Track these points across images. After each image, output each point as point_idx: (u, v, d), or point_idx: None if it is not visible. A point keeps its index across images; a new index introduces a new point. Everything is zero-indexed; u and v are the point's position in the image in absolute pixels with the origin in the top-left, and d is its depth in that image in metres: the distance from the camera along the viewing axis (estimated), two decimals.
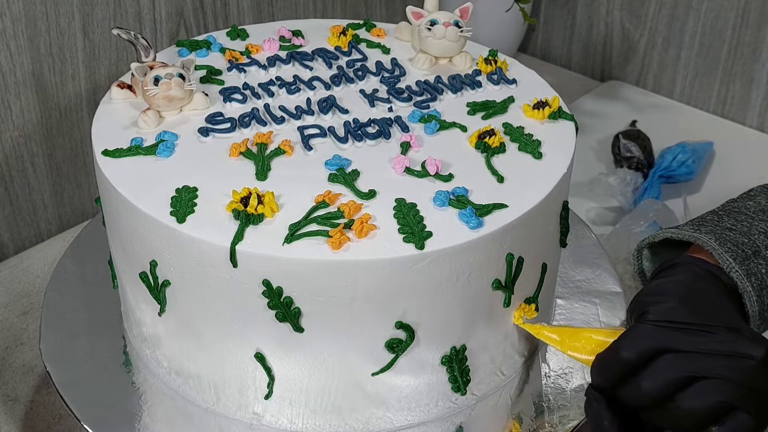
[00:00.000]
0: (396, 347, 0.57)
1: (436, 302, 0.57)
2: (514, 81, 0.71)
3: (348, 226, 0.55)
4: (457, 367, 0.60)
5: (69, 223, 0.98)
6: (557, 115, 0.67)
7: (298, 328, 0.56)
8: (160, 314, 0.61)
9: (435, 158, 0.60)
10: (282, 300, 0.55)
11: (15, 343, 0.80)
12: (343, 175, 0.60)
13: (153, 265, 0.59)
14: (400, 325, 0.57)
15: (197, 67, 0.70)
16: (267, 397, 0.60)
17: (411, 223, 0.56)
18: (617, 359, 0.53)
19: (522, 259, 0.59)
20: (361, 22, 0.80)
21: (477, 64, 0.73)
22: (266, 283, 0.55)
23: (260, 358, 0.58)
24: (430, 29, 0.71)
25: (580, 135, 0.72)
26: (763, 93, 1.13)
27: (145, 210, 0.57)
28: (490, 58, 0.74)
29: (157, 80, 0.63)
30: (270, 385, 0.60)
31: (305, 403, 0.60)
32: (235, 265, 0.55)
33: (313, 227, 0.55)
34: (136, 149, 0.62)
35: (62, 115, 0.92)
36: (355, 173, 0.60)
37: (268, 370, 0.59)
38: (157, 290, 0.60)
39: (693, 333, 0.52)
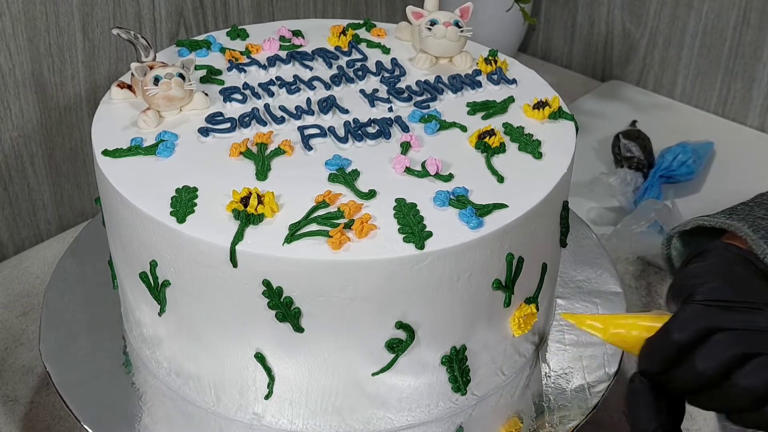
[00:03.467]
0: (396, 347, 0.57)
1: (436, 302, 0.57)
2: (514, 81, 0.71)
3: (348, 226, 0.55)
4: (458, 367, 0.60)
5: (69, 224, 0.98)
6: (557, 115, 0.67)
7: (298, 328, 0.56)
8: (160, 314, 0.61)
9: (435, 158, 0.60)
10: (282, 300, 0.55)
11: (15, 344, 0.80)
12: (343, 175, 0.60)
13: (153, 265, 0.59)
14: (400, 325, 0.57)
15: (197, 67, 0.70)
16: (267, 397, 0.60)
17: (411, 223, 0.56)
18: (669, 342, 0.52)
19: (522, 259, 0.59)
20: (361, 22, 0.80)
21: (477, 64, 0.73)
22: (266, 283, 0.55)
23: (260, 358, 0.58)
24: (430, 29, 0.71)
25: (581, 135, 0.72)
26: (764, 93, 1.13)
27: (145, 210, 0.57)
28: (490, 58, 0.74)
29: (157, 80, 0.63)
30: (270, 386, 0.59)
31: (305, 403, 0.60)
32: (235, 265, 0.54)
33: (313, 227, 0.55)
34: (136, 149, 0.62)
35: (62, 115, 0.92)
36: (355, 173, 0.60)
37: (268, 371, 0.59)
38: (157, 290, 0.59)
39: (741, 311, 0.52)
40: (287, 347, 0.58)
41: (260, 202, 0.56)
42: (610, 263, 0.77)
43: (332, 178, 0.60)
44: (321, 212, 0.56)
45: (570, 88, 1.24)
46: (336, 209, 0.57)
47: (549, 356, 0.68)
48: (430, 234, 0.55)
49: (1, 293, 0.87)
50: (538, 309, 0.63)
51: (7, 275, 0.89)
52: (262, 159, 0.61)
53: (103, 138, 0.63)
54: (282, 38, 0.76)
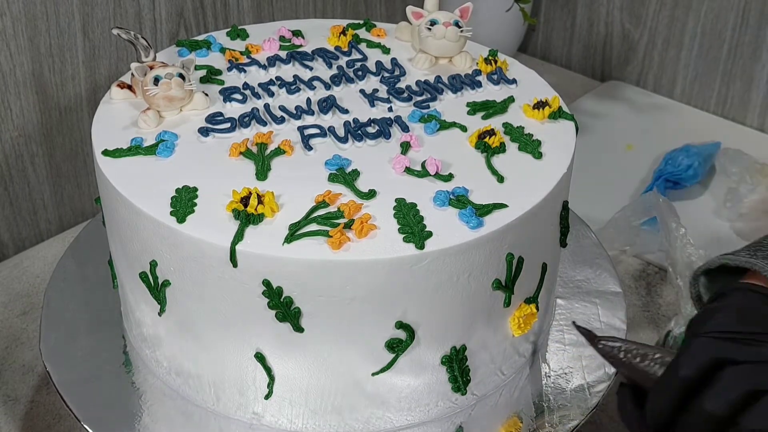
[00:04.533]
0: (396, 347, 0.57)
1: (436, 302, 0.57)
2: (514, 81, 0.71)
3: (348, 226, 0.55)
4: (457, 367, 0.60)
5: (69, 223, 0.98)
6: (557, 114, 0.67)
7: (298, 328, 0.56)
8: (160, 314, 0.61)
9: (435, 158, 0.60)
10: (282, 300, 0.55)
11: (15, 343, 0.80)
12: (343, 175, 0.60)
13: (153, 265, 0.59)
14: (400, 325, 0.57)
15: (197, 67, 0.70)
16: (267, 397, 0.60)
17: (411, 222, 0.56)
18: (676, 379, 0.50)
19: (522, 258, 0.59)
20: (361, 22, 0.80)
21: (477, 64, 0.73)
22: (266, 283, 0.55)
23: (260, 358, 0.58)
24: (430, 29, 0.71)
25: (580, 135, 0.72)
26: (763, 93, 1.13)
27: (145, 210, 0.57)
28: (490, 58, 0.74)
29: (157, 80, 0.63)
30: (270, 385, 0.60)
31: (305, 403, 0.60)
32: (235, 265, 0.55)
33: (313, 227, 0.55)
34: (136, 149, 0.62)
35: (62, 115, 0.92)
36: (355, 173, 0.60)
37: (268, 370, 0.59)
38: (157, 290, 0.59)
39: (746, 342, 0.50)
40: (287, 347, 0.58)
41: (260, 202, 0.56)
42: (610, 263, 0.77)
43: (332, 178, 0.60)
44: (321, 212, 0.56)
45: (569, 89, 1.24)
46: (336, 209, 0.57)
47: (549, 356, 0.68)
48: (430, 234, 0.55)
49: (1, 293, 0.87)
50: (538, 309, 0.63)
51: (7, 275, 0.89)
52: (262, 159, 0.61)
53: (103, 138, 0.63)
54: (282, 38, 0.76)
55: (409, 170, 0.61)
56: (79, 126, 0.94)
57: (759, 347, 0.50)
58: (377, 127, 0.65)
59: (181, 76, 0.64)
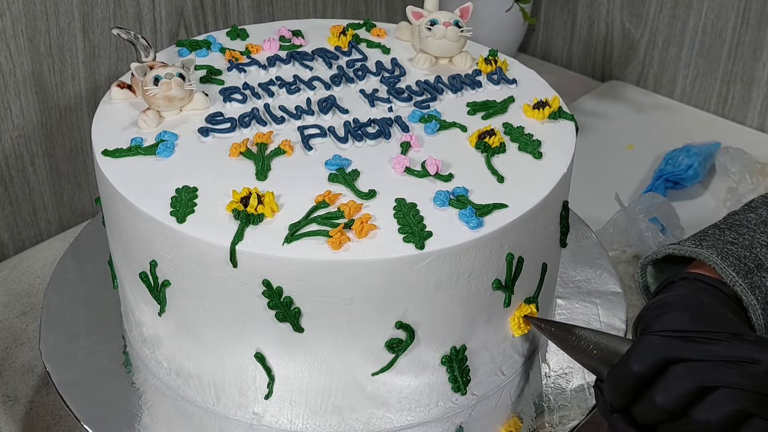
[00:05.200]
0: (396, 347, 0.57)
1: (436, 302, 0.57)
2: (514, 81, 0.71)
3: (348, 226, 0.55)
4: (457, 367, 0.60)
5: (69, 223, 0.98)
6: (557, 114, 0.67)
7: (298, 328, 0.56)
8: (160, 314, 0.61)
9: (435, 158, 0.60)
10: (282, 300, 0.55)
11: (15, 343, 0.80)
12: (343, 175, 0.60)
13: (153, 265, 0.59)
14: (400, 325, 0.57)
15: (197, 67, 0.70)
16: (267, 397, 0.60)
17: (411, 222, 0.56)
18: (628, 373, 0.52)
19: (522, 259, 0.59)
20: (361, 22, 0.80)
21: (477, 64, 0.73)
22: (266, 283, 0.55)
23: (260, 358, 0.58)
24: (430, 29, 0.71)
25: (580, 135, 0.72)
26: (763, 93, 1.13)
27: (145, 210, 0.57)
28: (490, 58, 0.74)
29: (157, 80, 0.63)
30: (270, 385, 0.60)
31: (305, 403, 0.60)
32: (235, 265, 0.55)
33: (313, 227, 0.55)
34: (136, 149, 0.62)
35: (62, 115, 0.92)
36: (355, 173, 0.60)
37: (268, 370, 0.59)
38: (157, 290, 0.59)
39: (698, 341, 0.52)
40: (287, 347, 0.58)
41: (260, 202, 0.56)
42: (610, 263, 0.77)
43: (332, 178, 0.60)
44: (321, 212, 0.56)
45: (570, 88, 1.24)
46: (336, 209, 0.57)
47: (549, 356, 0.68)
48: (430, 234, 0.55)
49: (1, 293, 0.87)
50: (538, 309, 0.63)
51: (7, 275, 0.89)
52: (262, 159, 0.61)
53: (103, 138, 0.63)
54: (282, 38, 0.76)
55: (409, 170, 0.61)
56: (79, 126, 0.94)
57: (710, 345, 0.52)
58: (377, 127, 0.65)
59: (181, 76, 0.64)
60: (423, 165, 0.61)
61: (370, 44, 0.76)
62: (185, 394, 0.64)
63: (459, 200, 0.58)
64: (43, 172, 0.93)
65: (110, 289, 0.70)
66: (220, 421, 0.62)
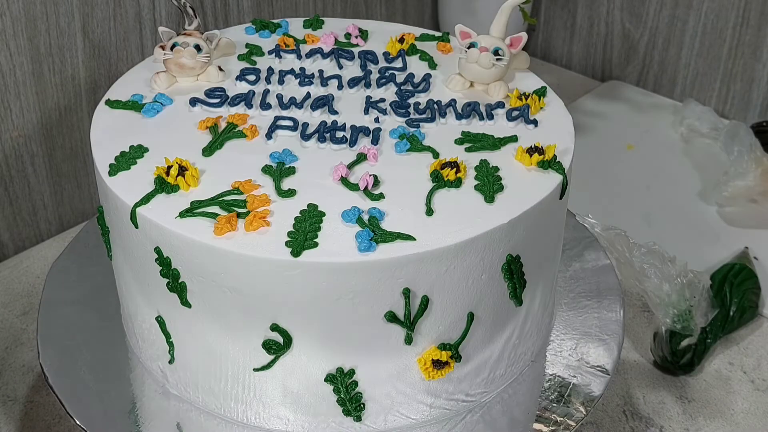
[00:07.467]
0: (273, 349, 0.57)
1: (313, 315, 0.55)
2: (534, 122, 0.66)
3: (243, 216, 0.55)
4: (344, 389, 0.59)
5: (69, 223, 0.98)
6: (547, 164, 0.61)
7: (186, 303, 0.57)
8: (109, 257, 0.63)
9: (370, 174, 0.58)
10: (171, 271, 0.57)
11: (15, 343, 0.80)
12: (278, 169, 0.60)
13: (100, 211, 0.63)
14: (276, 328, 0.56)
15: (249, 46, 0.74)
16: (170, 362, 0.62)
17: (304, 229, 0.55)
18: None
19: (427, 298, 0.56)
20: (438, 34, 0.77)
21: (510, 96, 0.68)
22: (158, 251, 0.56)
23: (161, 322, 0.61)
24: (466, 51, 0.68)
25: (581, 135, 0.72)
26: (763, 93, 1.13)
27: (96, 160, 0.61)
28: (527, 93, 0.68)
29: (174, 46, 0.67)
30: (171, 351, 0.61)
31: (202, 382, 0.61)
32: (136, 226, 0.57)
33: (214, 209, 0.56)
34: (131, 104, 0.66)
35: (62, 115, 0.92)
36: (291, 170, 0.60)
37: (167, 335, 0.61)
38: (104, 235, 0.64)
39: None
40: (180, 320, 0.59)
41: (182, 174, 0.58)
42: (610, 264, 0.77)
43: (265, 169, 0.60)
44: (229, 197, 0.57)
45: (570, 89, 1.24)
46: (244, 198, 0.57)
47: (549, 356, 0.68)
48: (314, 244, 0.54)
49: (1, 293, 0.87)
50: (457, 360, 0.59)
51: (7, 275, 0.89)
52: (216, 136, 0.63)
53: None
54: (347, 35, 0.76)
55: (344, 180, 0.59)
56: (79, 126, 0.94)
57: None
58: (348, 134, 0.63)
59: (198, 47, 0.68)
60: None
61: (423, 56, 0.74)
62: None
63: (369, 221, 0.55)
64: (43, 172, 0.93)
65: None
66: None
